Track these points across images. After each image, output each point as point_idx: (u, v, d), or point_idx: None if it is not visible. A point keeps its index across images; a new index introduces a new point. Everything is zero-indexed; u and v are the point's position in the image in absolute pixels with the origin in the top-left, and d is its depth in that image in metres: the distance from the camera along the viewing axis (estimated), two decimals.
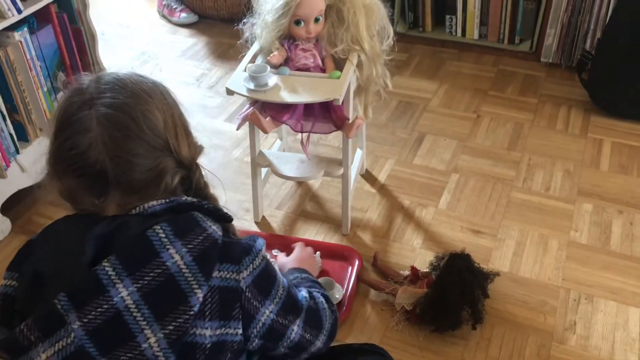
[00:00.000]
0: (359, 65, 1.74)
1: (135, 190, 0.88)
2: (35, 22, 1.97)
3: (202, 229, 0.86)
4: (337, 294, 1.68)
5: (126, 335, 0.80)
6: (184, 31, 3.18)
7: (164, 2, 3.28)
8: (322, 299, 1.12)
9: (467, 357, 1.58)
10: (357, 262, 1.79)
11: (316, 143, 2.32)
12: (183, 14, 3.22)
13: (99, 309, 0.80)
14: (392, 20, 1.85)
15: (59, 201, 0.93)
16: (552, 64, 2.73)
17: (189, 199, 0.91)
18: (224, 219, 0.94)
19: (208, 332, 0.85)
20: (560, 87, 2.61)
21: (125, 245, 0.83)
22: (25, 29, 1.91)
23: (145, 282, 0.81)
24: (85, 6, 2.15)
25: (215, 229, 0.88)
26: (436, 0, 2.86)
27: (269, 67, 1.65)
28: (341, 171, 1.84)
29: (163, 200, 0.88)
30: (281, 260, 1.49)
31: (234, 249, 0.89)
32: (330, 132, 1.78)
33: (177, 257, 0.83)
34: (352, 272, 1.77)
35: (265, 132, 1.74)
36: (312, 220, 2.01)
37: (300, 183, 2.15)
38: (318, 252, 1.79)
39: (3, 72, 1.87)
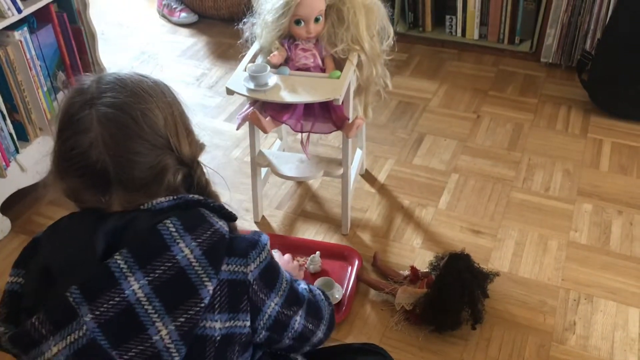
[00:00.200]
0: (359, 65, 1.74)
1: (137, 188, 0.89)
2: (35, 21, 1.97)
3: (209, 225, 0.88)
4: (337, 293, 1.69)
5: (138, 327, 0.81)
6: (184, 31, 3.18)
7: (164, 2, 3.28)
8: (319, 291, 1.16)
9: (466, 357, 1.58)
10: (356, 262, 1.79)
11: (316, 143, 2.32)
12: (183, 14, 3.22)
13: (110, 302, 0.81)
14: (392, 20, 1.85)
15: (59, 201, 0.94)
16: (552, 64, 2.73)
17: (196, 196, 0.93)
18: (228, 217, 0.95)
19: (218, 325, 0.87)
20: (560, 87, 2.61)
21: (137, 238, 0.84)
22: (25, 28, 1.91)
23: (156, 275, 0.82)
24: (85, 6, 2.15)
25: (222, 224, 0.90)
26: (436, 0, 2.86)
27: (269, 67, 1.65)
28: (341, 171, 1.84)
29: (171, 197, 0.90)
30: None
31: (240, 243, 0.91)
32: (330, 132, 1.78)
33: (187, 250, 0.84)
34: (351, 272, 1.77)
35: (265, 132, 1.74)
36: (312, 220, 2.01)
37: (300, 183, 2.15)
38: (318, 252, 1.79)
39: (3, 72, 1.87)
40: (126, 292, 0.81)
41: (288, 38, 1.75)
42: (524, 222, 1.97)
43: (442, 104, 2.54)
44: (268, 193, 2.11)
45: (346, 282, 1.75)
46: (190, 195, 0.92)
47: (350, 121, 1.74)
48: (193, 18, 3.22)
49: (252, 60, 1.76)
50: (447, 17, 2.85)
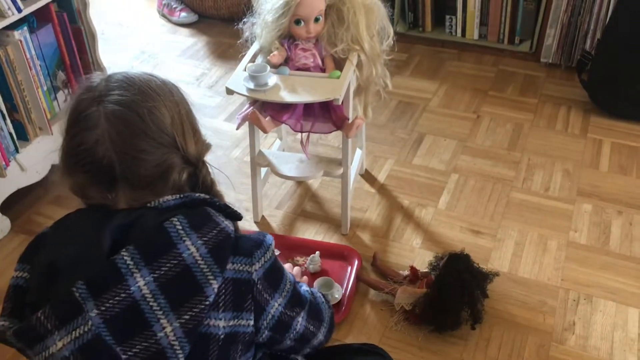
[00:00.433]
0: (359, 65, 1.74)
1: (143, 186, 0.90)
2: (35, 21, 1.97)
3: (215, 223, 0.89)
4: (337, 293, 1.69)
5: (142, 324, 0.82)
6: (184, 31, 3.18)
7: (164, 2, 3.28)
8: (319, 294, 1.17)
9: (466, 357, 1.58)
10: (356, 262, 1.79)
11: (316, 143, 2.32)
12: (183, 14, 3.22)
13: (116, 298, 0.81)
14: (392, 20, 1.85)
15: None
16: (552, 64, 2.73)
17: (202, 195, 0.93)
18: (233, 217, 0.96)
19: (222, 323, 0.87)
20: (560, 87, 2.61)
21: (144, 236, 0.85)
22: (25, 28, 1.91)
23: (162, 272, 0.83)
24: (85, 5, 2.15)
25: (227, 223, 0.91)
26: (436, 0, 2.86)
27: (268, 67, 1.65)
28: (341, 171, 1.84)
29: (177, 196, 0.90)
30: None
31: (245, 242, 0.92)
32: (330, 132, 1.78)
33: (192, 248, 0.85)
34: (351, 272, 1.78)
35: (265, 131, 1.74)
36: (312, 220, 2.01)
37: (300, 183, 2.15)
38: (317, 252, 1.79)
39: (3, 71, 1.87)
40: (132, 288, 0.81)
41: (288, 38, 1.75)
42: (523, 222, 1.97)
43: (442, 104, 2.54)
44: (268, 193, 2.11)
45: (346, 282, 1.75)
46: (197, 194, 0.93)
47: (350, 121, 1.74)
48: (193, 18, 3.22)
49: (252, 60, 1.76)
50: (447, 17, 2.85)
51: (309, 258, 1.79)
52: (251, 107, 1.72)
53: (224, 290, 0.87)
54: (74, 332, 0.80)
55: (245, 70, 1.68)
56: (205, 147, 1.00)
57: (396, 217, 2.01)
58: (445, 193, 2.09)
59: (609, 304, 1.71)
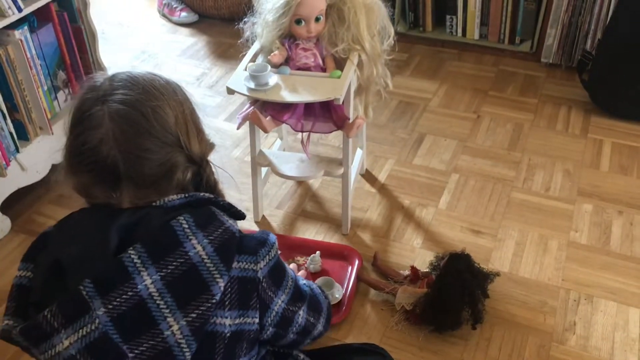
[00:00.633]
0: (360, 65, 1.74)
1: (147, 185, 0.90)
2: (35, 20, 1.97)
3: (220, 222, 0.89)
4: (337, 293, 1.68)
5: (149, 322, 0.82)
6: (184, 30, 3.18)
7: (164, 1, 3.28)
8: (315, 285, 1.19)
9: (466, 357, 1.58)
10: (357, 262, 1.79)
11: (316, 143, 2.32)
12: (183, 13, 3.22)
13: (123, 296, 0.81)
14: (392, 20, 1.85)
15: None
16: (553, 65, 2.73)
17: (206, 194, 0.94)
18: (237, 216, 0.97)
19: (228, 321, 0.88)
20: (560, 87, 2.61)
21: (150, 234, 0.85)
22: (26, 27, 1.91)
23: (169, 270, 0.83)
24: (85, 5, 2.15)
25: (232, 222, 0.91)
26: (437, 0, 2.86)
27: (269, 67, 1.65)
28: (341, 171, 1.84)
29: (182, 195, 0.91)
30: None
31: (250, 241, 0.93)
32: (331, 132, 1.78)
33: (199, 247, 0.85)
34: (352, 272, 1.77)
35: (266, 131, 1.74)
36: (312, 219, 2.01)
37: (300, 182, 2.15)
38: (318, 252, 1.79)
39: (3, 71, 1.87)
40: (139, 286, 0.82)
41: (289, 37, 1.75)
42: (524, 222, 1.97)
43: (443, 104, 2.54)
44: (268, 193, 2.11)
45: (346, 281, 1.75)
46: (201, 194, 0.93)
47: (350, 121, 1.74)
48: (193, 17, 3.22)
49: (253, 59, 1.76)
50: (448, 17, 2.85)
51: (309, 258, 1.79)
52: (252, 107, 1.72)
53: (229, 289, 0.88)
54: (80, 331, 0.81)
55: (245, 70, 1.68)
56: (209, 146, 1.00)
57: (397, 217, 2.01)
58: (446, 193, 2.09)
59: (610, 304, 1.71)
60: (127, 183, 0.89)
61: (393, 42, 1.82)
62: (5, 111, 1.90)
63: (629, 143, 2.29)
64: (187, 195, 0.91)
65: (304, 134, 1.78)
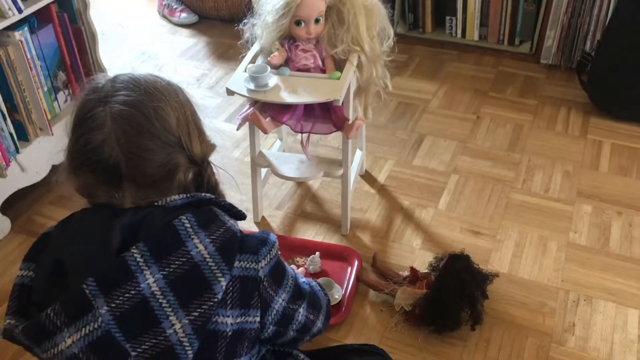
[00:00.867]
0: (359, 66, 1.75)
1: (148, 185, 0.91)
2: (35, 21, 1.97)
3: (222, 222, 0.90)
4: (337, 294, 1.69)
5: (152, 321, 0.83)
6: (184, 31, 3.19)
7: (164, 2, 3.28)
8: (315, 283, 1.20)
9: (466, 358, 1.58)
10: (356, 263, 1.79)
11: (316, 144, 2.32)
12: (183, 14, 3.22)
13: (126, 295, 0.82)
14: (392, 21, 1.85)
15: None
16: (552, 66, 2.73)
17: (208, 195, 0.95)
18: (238, 216, 0.97)
19: (229, 320, 0.89)
20: (560, 88, 2.62)
21: (152, 233, 0.86)
22: (26, 28, 1.91)
23: (171, 269, 0.84)
24: (85, 6, 2.15)
25: (233, 222, 0.92)
26: (436, 1, 2.86)
27: (269, 68, 1.65)
28: (341, 172, 1.84)
29: (184, 195, 0.92)
30: None
31: (251, 241, 0.94)
32: (330, 133, 1.78)
33: (201, 246, 0.86)
34: (351, 273, 1.78)
35: (265, 132, 1.74)
36: (312, 220, 2.01)
37: (300, 183, 2.15)
38: (317, 253, 1.79)
39: (3, 72, 1.87)
40: (141, 285, 0.82)
41: (288, 39, 1.75)
42: (523, 223, 1.97)
43: (442, 105, 2.55)
44: (268, 193, 2.11)
45: (346, 282, 1.75)
46: (203, 194, 0.94)
47: (350, 122, 1.74)
48: (193, 18, 3.23)
49: (253, 60, 1.76)
50: (447, 18, 2.86)
51: (309, 259, 1.79)
52: (251, 108, 1.72)
53: (231, 288, 0.88)
54: (83, 329, 0.81)
55: (245, 71, 1.69)
56: (210, 147, 1.01)
57: (396, 217, 2.01)
58: (445, 194, 2.09)
59: (609, 305, 1.71)
60: (128, 183, 0.89)
61: (393, 43, 1.82)
62: (5, 112, 1.90)
63: (629, 144, 2.29)
64: (188, 195, 0.92)
65: (304, 135, 1.78)
